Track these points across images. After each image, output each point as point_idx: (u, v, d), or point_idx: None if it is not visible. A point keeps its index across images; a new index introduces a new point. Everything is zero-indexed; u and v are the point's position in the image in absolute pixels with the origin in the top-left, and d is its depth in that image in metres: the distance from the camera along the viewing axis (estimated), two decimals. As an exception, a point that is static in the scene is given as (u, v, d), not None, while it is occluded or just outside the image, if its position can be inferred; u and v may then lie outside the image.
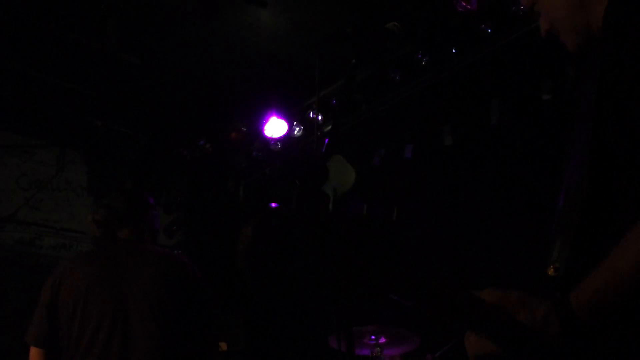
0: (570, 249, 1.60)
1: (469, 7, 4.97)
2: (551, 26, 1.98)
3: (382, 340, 4.68)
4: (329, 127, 6.21)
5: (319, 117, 6.29)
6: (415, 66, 5.67)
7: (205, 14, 5.18)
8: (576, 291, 1.44)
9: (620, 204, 1.56)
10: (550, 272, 1.50)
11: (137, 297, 3.20)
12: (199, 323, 3.34)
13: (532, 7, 2.02)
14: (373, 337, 4.67)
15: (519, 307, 1.44)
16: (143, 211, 3.58)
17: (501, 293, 1.47)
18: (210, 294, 3.42)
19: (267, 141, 6.76)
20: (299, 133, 6.58)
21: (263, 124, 6.53)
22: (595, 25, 1.86)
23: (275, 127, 6.50)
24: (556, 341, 1.40)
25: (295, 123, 6.56)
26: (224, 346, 5.80)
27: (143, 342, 3.14)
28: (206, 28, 5.37)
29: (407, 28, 5.23)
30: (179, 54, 5.73)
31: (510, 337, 1.43)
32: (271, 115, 6.47)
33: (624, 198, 1.55)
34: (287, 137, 6.61)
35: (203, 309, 3.38)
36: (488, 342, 1.45)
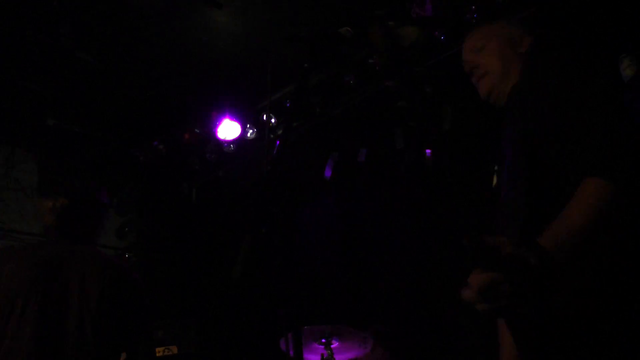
0: (519, 235, 1.95)
1: (423, 13, 5.01)
2: (492, 89, 2.61)
3: (335, 344, 4.66)
4: (282, 130, 6.23)
5: (272, 120, 6.29)
6: (370, 70, 5.70)
7: (161, 13, 5.15)
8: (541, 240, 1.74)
9: (557, 195, 1.92)
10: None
11: (72, 298, 3.15)
12: (131, 331, 3.30)
13: (478, 50, 2.67)
14: (324, 339, 4.65)
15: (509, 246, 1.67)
16: (96, 209, 3.54)
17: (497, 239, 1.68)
18: (147, 303, 3.38)
19: (221, 143, 6.72)
20: (253, 135, 6.56)
21: (216, 126, 6.50)
22: (504, 92, 2.54)
23: (228, 129, 6.47)
24: (536, 271, 1.64)
25: (248, 125, 6.55)
26: (174, 349, 5.76)
27: (73, 344, 3.10)
28: (162, 28, 5.34)
29: (361, 32, 5.25)
30: (134, 53, 5.68)
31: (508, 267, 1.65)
32: (224, 117, 6.45)
33: (558, 187, 1.95)
34: (241, 140, 6.59)
35: (137, 317, 3.34)
36: (494, 274, 1.64)
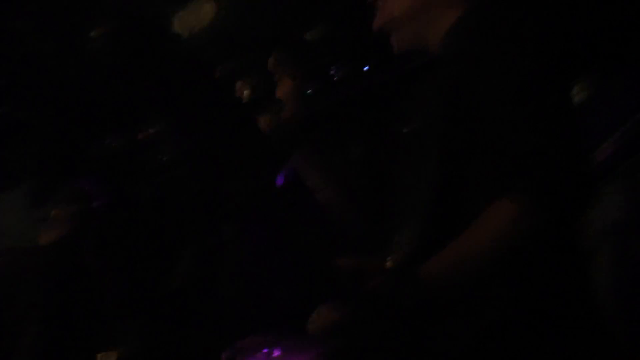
0: (418, 236, 1.67)
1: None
2: (386, 23, 2.02)
3: (276, 353, 4.63)
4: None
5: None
6: (328, 79, 5.70)
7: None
8: (424, 265, 1.53)
9: (469, 196, 1.64)
10: (396, 258, 1.55)
11: None
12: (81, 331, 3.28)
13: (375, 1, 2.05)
14: (266, 349, 4.62)
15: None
16: None
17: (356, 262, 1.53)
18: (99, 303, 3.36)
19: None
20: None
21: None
22: (432, 38, 1.94)
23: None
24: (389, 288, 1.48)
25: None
26: (114, 355, 5.68)
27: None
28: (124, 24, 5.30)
29: (323, 41, 5.27)
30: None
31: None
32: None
33: (470, 191, 1.65)
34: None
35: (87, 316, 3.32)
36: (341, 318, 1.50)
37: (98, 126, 6.80)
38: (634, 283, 3.00)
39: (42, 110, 6.55)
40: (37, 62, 5.60)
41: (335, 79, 5.63)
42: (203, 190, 6.68)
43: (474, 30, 1.76)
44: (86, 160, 7.15)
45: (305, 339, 4.74)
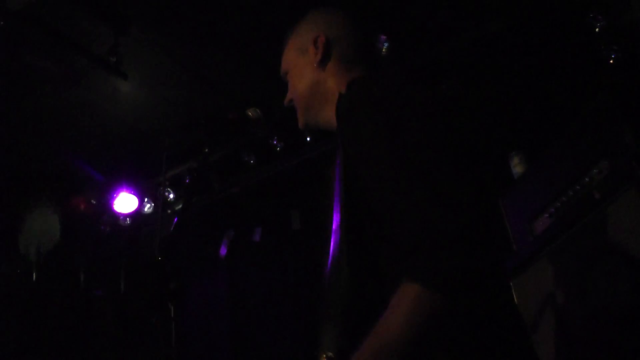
0: (340, 334, 1.65)
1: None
2: (292, 99, 2.15)
3: None
4: (180, 205, 6.18)
5: (171, 195, 6.24)
6: (270, 151, 5.77)
7: (66, 79, 5.10)
8: None
9: (380, 283, 1.62)
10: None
11: None
12: None
13: (285, 76, 2.18)
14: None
15: None
16: None
17: None
18: None
19: (117, 216, 6.58)
20: (150, 210, 6.47)
21: (113, 198, 6.37)
22: (326, 119, 2.03)
23: (125, 202, 6.35)
24: None
25: (146, 199, 6.46)
26: None
27: None
28: (65, 93, 5.27)
29: (265, 113, 5.33)
30: (34, 115, 5.56)
31: None
32: (122, 189, 6.33)
33: (382, 277, 1.63)
34: (137, 213, 6.48)
35: None
36: None
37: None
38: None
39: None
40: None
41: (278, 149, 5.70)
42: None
43: (342, 115, 1.77)
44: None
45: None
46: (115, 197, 6.34)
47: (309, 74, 2.08)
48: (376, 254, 1.65)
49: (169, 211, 6.14)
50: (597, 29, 4.28)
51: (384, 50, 4.70)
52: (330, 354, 1.59)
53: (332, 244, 1.85)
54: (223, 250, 5.79)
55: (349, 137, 1.69)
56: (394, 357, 1.46)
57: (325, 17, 2.16)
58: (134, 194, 6.37)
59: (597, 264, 2.75)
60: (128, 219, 6.57)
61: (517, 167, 3.85)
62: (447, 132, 1.68)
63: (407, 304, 1.47)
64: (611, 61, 4.23)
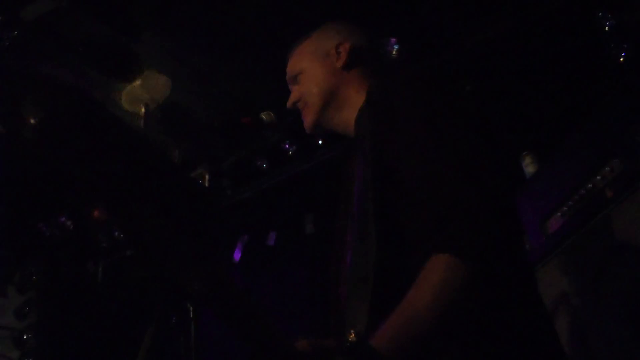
0: (370, 308, 1.67)
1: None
2: (300, 99, 2.23)
3: None
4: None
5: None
6: (282, 155, 5.78)
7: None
8: (375, 336, 1.51)
9: (409, 257, 1.66)
10: (351, 337, 1.53)
11: None
12: None
13: (294, 79, 2.27)
14: None
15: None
16: None
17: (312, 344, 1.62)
18: None
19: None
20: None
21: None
22: (342, 121, 2.14)
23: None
24: None
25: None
26: None
27: None
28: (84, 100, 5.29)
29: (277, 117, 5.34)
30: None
31: None
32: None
33: (411, 250, 1.67)
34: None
35: None
36: None
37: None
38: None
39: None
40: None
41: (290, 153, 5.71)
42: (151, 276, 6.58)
43: (376, 113, 1.87)
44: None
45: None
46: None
47: (328, 78, 2.18)
48: (405, 227, 1.69)
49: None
50: (606, 28, 4.27)
51: (394, 53, 4.70)
52: (358, 328, 1.58)
53: (356, 207, 1.91)
54: (237, 255, 5.81)
55: (399, 110, 1.80)
56: (424, 326, 1.50)
57: (347, 26, 2.31)
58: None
59: (610, 263, 2.74)
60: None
61: (529, 166, 3.85)
62: (479, 125, 1.80)
63: (439, 273, 1.53)
64: (621, 60, 4.22)
